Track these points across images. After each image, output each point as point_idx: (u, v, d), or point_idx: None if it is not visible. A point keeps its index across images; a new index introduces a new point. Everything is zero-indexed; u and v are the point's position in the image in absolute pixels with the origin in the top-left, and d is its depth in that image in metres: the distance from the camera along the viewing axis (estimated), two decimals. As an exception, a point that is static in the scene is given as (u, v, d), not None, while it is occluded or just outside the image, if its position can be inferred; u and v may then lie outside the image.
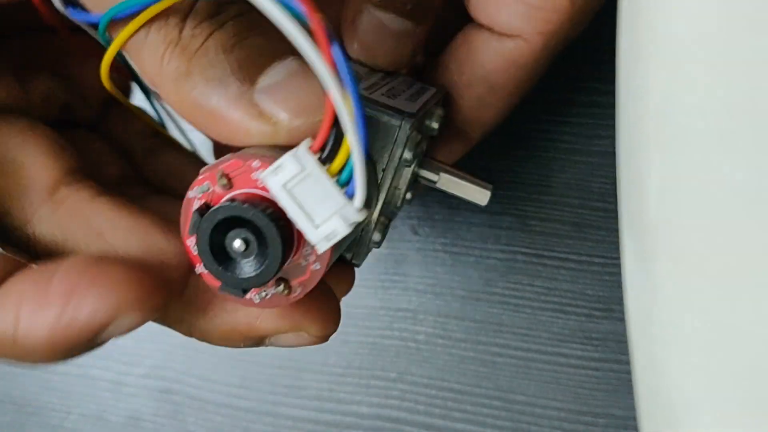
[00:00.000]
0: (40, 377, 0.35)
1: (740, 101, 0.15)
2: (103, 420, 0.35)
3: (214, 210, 0.18)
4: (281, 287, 0.19)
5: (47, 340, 0.18)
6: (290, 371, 0.34)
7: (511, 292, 0.32)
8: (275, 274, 0.18)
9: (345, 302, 0.22)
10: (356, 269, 0.24)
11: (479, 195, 0.25)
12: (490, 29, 0.24)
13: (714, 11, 0.15)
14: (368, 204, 0.20)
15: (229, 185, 0.18)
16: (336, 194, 0.17)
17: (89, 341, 0.18)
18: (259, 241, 0.18)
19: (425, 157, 0.25)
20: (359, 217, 0.17)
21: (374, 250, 0.24)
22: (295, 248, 0.18)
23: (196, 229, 0.18)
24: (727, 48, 0.15)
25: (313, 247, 0.18)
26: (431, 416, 0.33)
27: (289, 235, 0.18)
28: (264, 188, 0.18)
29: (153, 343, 0.35)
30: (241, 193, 0.18)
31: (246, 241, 0.18)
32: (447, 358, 0.33)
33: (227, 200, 0.18)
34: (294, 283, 0.19)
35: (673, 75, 0.16)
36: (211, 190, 0.18)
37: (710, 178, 0.15)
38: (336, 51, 0.16)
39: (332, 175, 0.17)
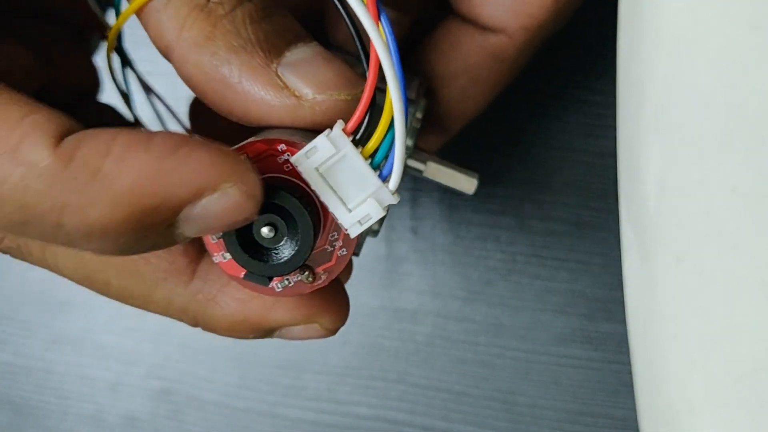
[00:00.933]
0: (38, 377, 0.35)
1: (740, 98, 0.15)
2: (101, 421, 0.35)
3: None
4: (306, 274, 0.18)
5: (128, 193, 0.15)
6: (289, 371, 0.34)
7: (511, 292, 0.32)
8: (306, 259, 0.17)
9: (344, 302, 0.22)
10: (354, 267, 0.24)
11: (467, 184, 0.25)
12: (473, 23, 0.24)
13: (713, 7, 0.15)
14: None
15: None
16: (371, 176, 0.17)
17: (169, 215, 0.15)
18: (288, 227, 0.17)
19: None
20: (394, 200, 0.17)
21: (374, 251, 0.23)
22: (321, 233, 0.18)
23: None
24: (727, 44, 0.15)
25: (339, 232, 0.18)
26: (430, 417, 0.33)
27: (317, 220, 0.18)
28: (290, 172, 0.17)
29: (152, 343, 0.34)
30: (268, 177, 0.17)
31: (275, 227, 0.17)
32: (446, 359, 0.33)
33: None
34: (319, 270, 0.18)
35: (672, 72, 0.16)
36: None
37: (710, 175, 0.15)
38: (384, 19, 0.16)
39: (365, 158, 0.17)
